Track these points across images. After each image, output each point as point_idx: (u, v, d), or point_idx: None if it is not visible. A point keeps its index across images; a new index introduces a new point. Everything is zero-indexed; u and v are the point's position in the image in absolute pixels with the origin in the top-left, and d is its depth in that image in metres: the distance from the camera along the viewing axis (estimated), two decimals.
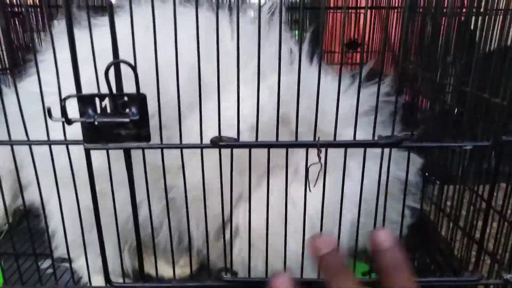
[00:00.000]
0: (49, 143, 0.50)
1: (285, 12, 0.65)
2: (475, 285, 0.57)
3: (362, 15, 1.27)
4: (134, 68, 0.44)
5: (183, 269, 0.75)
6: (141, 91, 0.45)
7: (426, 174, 0.70)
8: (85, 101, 0.45)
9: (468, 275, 0.56)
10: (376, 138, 0.49)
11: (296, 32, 1.33)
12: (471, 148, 0.50)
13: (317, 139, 0.48)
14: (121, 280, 0.61)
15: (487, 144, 0.50)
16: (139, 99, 0.46)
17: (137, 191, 0.50)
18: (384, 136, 0.50)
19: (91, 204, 0.50)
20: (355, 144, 0.49)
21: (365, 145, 0.49)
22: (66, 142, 0.49)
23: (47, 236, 0.58)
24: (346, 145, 0.49)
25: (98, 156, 0.49)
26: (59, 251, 0.68)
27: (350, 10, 1.29)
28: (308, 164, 0.50)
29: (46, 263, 0.75)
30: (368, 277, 0.54)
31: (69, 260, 0.61)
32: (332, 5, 1.36)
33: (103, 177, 0.49)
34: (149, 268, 0.71)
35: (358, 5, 1.30)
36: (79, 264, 0.71)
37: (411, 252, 0.71)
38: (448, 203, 0.68)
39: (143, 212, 0.55)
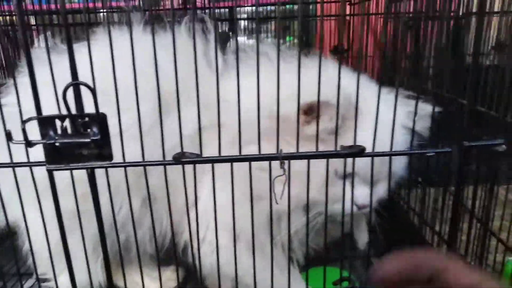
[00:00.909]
0: (12, 165, 0.50)
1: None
2: None
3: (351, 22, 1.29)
4: (92, 89, 0.45)
5: (167, 284, 0.75)
6: (111, 110, 0.45)
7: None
8: (46, 123, 0.45)
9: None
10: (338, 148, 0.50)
11: (288, 38, 1.42)
12: (433, 154, 0.51)
13: (279, 151, 0.49)
14: None
15: (449, 151, 0.51)
16: (99, 119, 0.46)
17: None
18: (347, 146, 0.50)
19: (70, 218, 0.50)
20: (317, 155, 0.50)
21: (327, 155, 0.49)
22: (29, 164, 0.49)
23: (31, 254, 0.59)
24: (308, 156, 0.49)
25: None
26: (41, 269, 0.68)
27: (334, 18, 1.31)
28: (272, 178, 0.50)
29: (30, 282, 0.75)
30: (339, 286, 0.54)
31: (54, 276, 0.60)
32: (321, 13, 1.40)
33: (83, 184, 0.49)
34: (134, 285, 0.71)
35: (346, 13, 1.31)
36: (61, 281, 0.71)
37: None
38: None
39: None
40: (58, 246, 0.53)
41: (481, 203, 0.63)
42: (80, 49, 0.45)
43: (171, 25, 0.54)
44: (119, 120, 0.47)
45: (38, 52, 0.53)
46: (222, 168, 0.51)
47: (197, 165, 0.51)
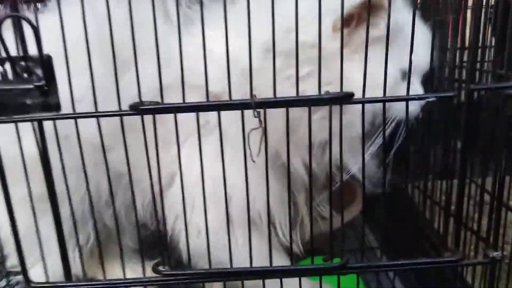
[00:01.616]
0: None
1: None
2: (460, 266, 0.50)
3: None
4: (34, 25, 0.39)
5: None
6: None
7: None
8: None
9: (449, 255, 0.48)
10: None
11: None
12: (434, 100, 0.44)
13: (253, 97, 0.42)
14: None
15: (452, 95, 0.43)
16: (44, 62, 0.40)
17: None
18: (333, 92, 0.43)
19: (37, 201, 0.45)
20: (298, 101, 0.43)
21: (309, 101, 0.43)
22: None
23: None
24: (288, 102, 0.43)
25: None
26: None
27: None
28: (247, 130, 0.43)
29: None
30: (330, 262, 0.47)
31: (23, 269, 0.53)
32: None
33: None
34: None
35: None
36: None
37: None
38: None
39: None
40: (27, 234, 0.47)
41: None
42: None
43: None
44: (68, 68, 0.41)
45: None
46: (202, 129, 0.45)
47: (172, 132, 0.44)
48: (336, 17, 0.51)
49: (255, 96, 0.42)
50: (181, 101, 0.43)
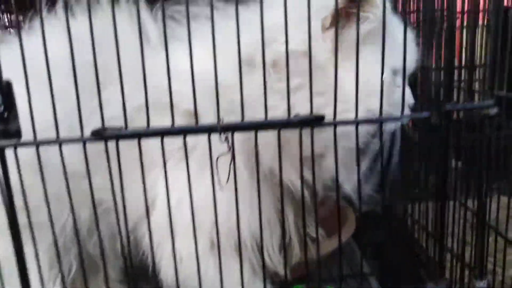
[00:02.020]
0: None
1: None
2: None
3: None
4: None
5: None
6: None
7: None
8: None
9: (432, 285, 0.45)
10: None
11: None
12: (409, 121, 0.42)
13: (221, 120, 0.40)
14: None
15: (427, 116, 0.42)
16: (3, 88, 0.39)
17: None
18: (302, 115, 0.42)
19: None
20: (266, 124, 0.41)
21: (278, 125, 0.41)
22: None
23: None
24: (256, 126, 0.41)
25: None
26: None
27: None
28: (215, 155, 0.42)
29: None
30: None
31: None
32: None
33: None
34: None
35: None
36: None
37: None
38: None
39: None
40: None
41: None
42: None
43: None
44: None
45: None
46: (178, 154, 0.43)
47: (148, 158, 0.43)
48: (323, 16, 0.50)
49: (222, 119, 0.41)
50: (158, 123, 0.41)
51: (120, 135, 0.40)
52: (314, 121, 0.41)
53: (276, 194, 0.57)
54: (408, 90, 0.57)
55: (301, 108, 0.45)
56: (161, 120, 0.42)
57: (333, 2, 0.45)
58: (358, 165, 0.45)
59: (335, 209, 0.53)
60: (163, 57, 0.40)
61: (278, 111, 0.47)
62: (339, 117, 0.42)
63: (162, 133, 0.41)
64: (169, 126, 0.41)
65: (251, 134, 0.41)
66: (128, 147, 0.41)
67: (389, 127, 0.53)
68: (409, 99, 0.56)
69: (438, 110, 0.41)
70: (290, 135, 0.43)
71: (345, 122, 0.42)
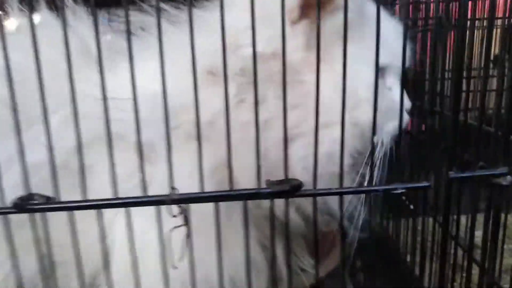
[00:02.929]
0: None
1: None
2: None
3: None
4: None
5: None
6: None
7: None
8: None
9: None
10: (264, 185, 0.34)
11: None
12: (403, 191, 0.34)
13: (171, 191, 0.33)
14: None
15: (427, 185, 0.34)
16: None
17: None
18: (275, 181, 0.34)
19: None
20: (229, 196, 0.34)
21: (243, 196, 0.33)
22: None
23: None
24: (215, 198, 0.33)
25: None
26: None
27: None
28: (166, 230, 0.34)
29: None
30: None
31: None
32: None
33: None
34: None
35: None
36: None
37: None
38: None
39: None
40: None
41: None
42: None
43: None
44: None
45: None
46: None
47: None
48: (291, 6, 0.41)
49: (175, 190, 0.33)
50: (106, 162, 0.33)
51: (46, 208, 0.33)
52: (289, 192, 0.33)
53: (261, 228, 0.49)
54: (397, 90, 0.49)
55: (275, 123, 0.39)
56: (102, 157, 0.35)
57: None
58: (342, 229, 0.37)
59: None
60: (110, 79, 0.33)
61: (251, 128, 0.39)
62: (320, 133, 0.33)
63: (99, 206, 0.33)
64: (108, 198, 0.33)
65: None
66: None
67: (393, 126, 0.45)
68: (406, 102, 0.47)
69: (439, 178, 0.34)
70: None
71: (328, 193, 0.35)
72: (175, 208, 0.33)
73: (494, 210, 0.36)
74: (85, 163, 0.33)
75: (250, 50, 0.33)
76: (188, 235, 0.34)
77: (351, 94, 0.34)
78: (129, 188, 0.36)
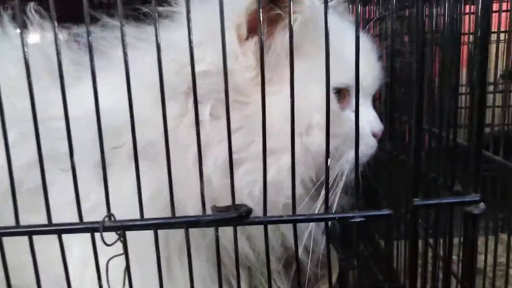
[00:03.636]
0: None
1: None
2: None
3: None
4: None
5: None
6: None
7: None
8: None
9: None
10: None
11: None
12: (363, 220, 0.31)
13: (104, 217, 0.30)
14: None
15: (388, 213, 0.31)
16: None
17: None
18: (222, 208, 0.31)
19: None
20: (169, 223, 0.31)
21: (185, 223, 0.31)
22: None
23: None
24: (154, 225, 0.31)
25: None
26: None
27: None
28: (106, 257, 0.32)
29: None
30: None
31: None
32: None
33: None
34: None
35: None
36: None
37: None
38: None
39: None
40: None
41: None
42: None
43: None
44: None
45: None
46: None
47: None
48: (239, 21, 0.38)
49: (112, 217, 0.31)
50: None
51: None
52: (235, 220, 0.31)
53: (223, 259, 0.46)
54: (372, 114, 0.46)
55: (217, 147, 0.36)
56: (58, 177, 0.35)
57: (248, 4, 0.36)
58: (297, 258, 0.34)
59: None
60: (73, 95, 0.32)
61: (190, 152, 0.36)
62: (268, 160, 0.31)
63: (31, 233, 0.31)
64: (42, 223, 0.31)
65: None
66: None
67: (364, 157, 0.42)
68: (375, 125, 0.44)
69: (400, 207, 0.30)
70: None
71: (279, 221, 0.32)
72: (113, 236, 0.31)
73: (469, 238, 0.32)
74: (37, 183, 0.32)
75: (197, 68, 0.31)
76: (127, 265, 0.32)
77: (302, 118, 0.32)
78: (86, 210, 0.35)
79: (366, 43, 0.44)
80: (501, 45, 0.69)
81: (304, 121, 0.35)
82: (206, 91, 0.35)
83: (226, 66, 0.29)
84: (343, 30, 0.41)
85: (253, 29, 0.38)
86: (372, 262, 0.67)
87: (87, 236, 0.31)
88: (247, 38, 0.38)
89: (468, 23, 0.62)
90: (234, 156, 0.30)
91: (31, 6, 0.47)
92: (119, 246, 0.32)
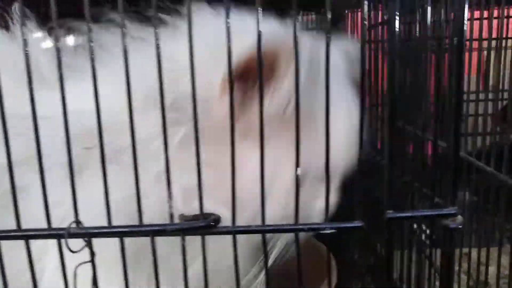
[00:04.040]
0: None
1: None
2: None
3: None
4: None
5: None
6: None
7: None
8: None
9: None
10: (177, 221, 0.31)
11: None
12: (334, 232, 0.30)
13: (69, 225, 0.30)
14: None
15: (359, 226, 0.30)
16: None
17: None
18: (190, 216, 0.31)
19: None
20: (134, 232, 0.30)
21: (151, 232, 0.30)
22: None
23: None
24: (120, 233, 0.30)
25: None
26: None
27: None
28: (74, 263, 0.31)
29: None
30: None
31: None
32: None
33: None
34: None
35: None
36: None
37: None
38: None
39: None
40: None
41: None
42: None
43: None
44: None
45: None
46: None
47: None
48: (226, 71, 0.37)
49: (80, 223, 0.30)
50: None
51: None
52: (202, 229, 0.30)
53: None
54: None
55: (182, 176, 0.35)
56: (36, 179, 0.32)
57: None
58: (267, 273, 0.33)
59: (316, 261, 0.47)
60: (55, 95, 0.30)
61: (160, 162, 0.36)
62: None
63: None
64: (7, 229, 0.31)
65: None
66: None
67: None
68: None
69: (373, 219, 0.29)
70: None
71: (247, 231, 0.31)
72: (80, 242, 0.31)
73: (446, 253, 0.31)
74: (18, 184, 0.31)
75: (185, 87, 0.31)
76: (94, 272, 0.31)
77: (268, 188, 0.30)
78: (62, 214, 0.34)
79: (352, 110, 0.41)
80: None
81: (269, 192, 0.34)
82: (184, 114, 0.35)
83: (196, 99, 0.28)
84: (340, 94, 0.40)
85: (239, 79, 0.36)
86: (370, 273, 0.66)
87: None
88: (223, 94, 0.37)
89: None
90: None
91: (15, 6, 0.47)
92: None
